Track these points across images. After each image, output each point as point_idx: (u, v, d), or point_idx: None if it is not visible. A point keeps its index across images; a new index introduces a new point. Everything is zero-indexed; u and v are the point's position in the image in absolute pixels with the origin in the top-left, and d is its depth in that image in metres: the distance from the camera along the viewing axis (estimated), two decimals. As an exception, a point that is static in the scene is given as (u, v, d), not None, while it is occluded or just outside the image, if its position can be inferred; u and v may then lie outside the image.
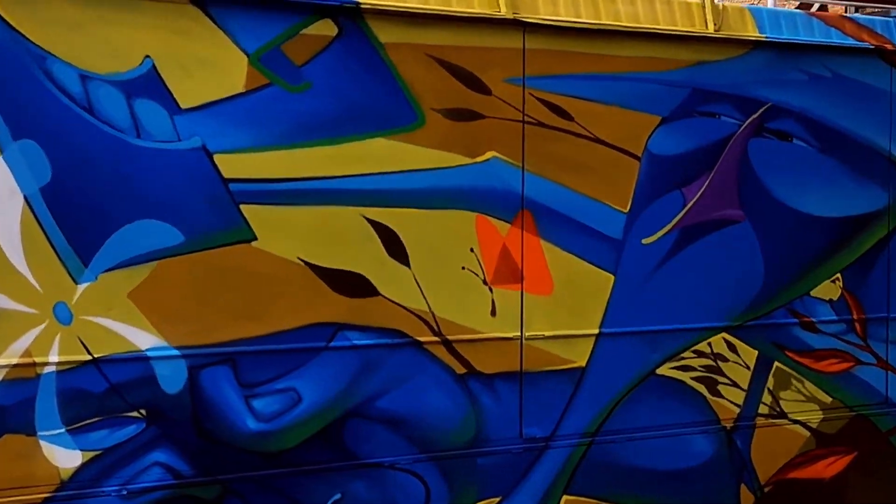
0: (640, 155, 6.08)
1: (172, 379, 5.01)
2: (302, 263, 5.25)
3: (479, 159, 5.66)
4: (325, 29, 5.29)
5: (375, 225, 5.42)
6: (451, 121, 5.58)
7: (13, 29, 4.67)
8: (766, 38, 6.45)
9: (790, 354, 6.64)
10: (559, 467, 5.94)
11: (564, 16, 5.84)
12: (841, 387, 6.83)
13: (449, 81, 5.57)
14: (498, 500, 5.80)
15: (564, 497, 5.96)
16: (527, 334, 5.82)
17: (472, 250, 5.66)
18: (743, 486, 6.53)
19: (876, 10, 7.76)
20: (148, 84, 4.92)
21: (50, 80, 4.74)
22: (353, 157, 5.35)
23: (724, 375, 6.43)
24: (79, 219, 4.79)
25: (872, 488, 6.94)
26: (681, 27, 6.17)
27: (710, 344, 6.38)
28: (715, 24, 6.25)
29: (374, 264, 5.42)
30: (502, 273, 5.75)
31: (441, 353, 5.61)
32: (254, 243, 5.14)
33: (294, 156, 5.22)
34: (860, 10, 7.70)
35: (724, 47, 6.33)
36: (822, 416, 6.77)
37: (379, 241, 5.44)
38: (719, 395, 6.42)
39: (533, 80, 5.79)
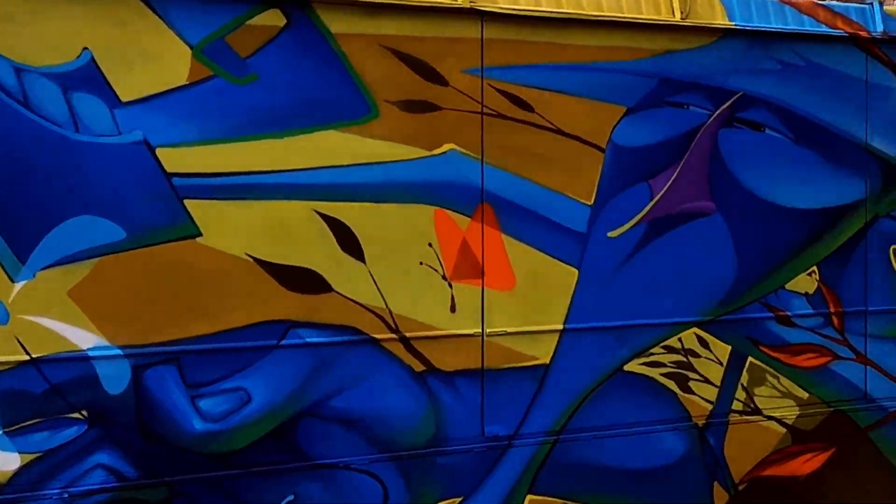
0: (604, 146, 5.93)
1: (115, 379, 4.89)
2: (250, 259, 5.13)
3: (436, 152, 5.52)
4: (272, 19, 5.16)
5: (328, 220, 5.30)
6: (407, 112, 5.45)
7: (-57, 21, 4.56)
8: (736, 25, 6.29)
9: (765, 349, 6.49)
10: (523, 466, 5.80)
11: (524, 4, 5.71)
12: (818, 382, 6.67)
13: (404, 72, 5.45)
14: (459, 500, 5.67)
15: (529, 497, 5.83)
16: (488, 331, 5.68)
17: (430, 245, 5.53)
18: (716, 484, 6.38)
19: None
20: (86, 77, 4.80)
21: (-17, 74, 4.63)
22: (303, 151, 5.22)
23: (695, 371, 6.28)
24: (15, 215, 4.68)
25: (851, 485, 6.78)
26: (646, 15, 6.03)
27: (680, 339, 6.23)
28: (682, 12, 6.11)
29: (327, 260, 5.30)
30: (462, 268, 5.62)
31: (398, 350, 5.48)
32: (199, 239, 5.02)
33: (241, 149, 5.09)
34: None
35: (692, 36, 6.18)
36: (798, 413, 6.61)
37: (332, 236, 5.31)
38: (690, 391, 6.28)
39: (492, 70, 5.65)
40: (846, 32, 6.63)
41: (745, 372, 6.44)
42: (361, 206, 5.36)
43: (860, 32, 6.67)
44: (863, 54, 6.71)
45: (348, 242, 5.34)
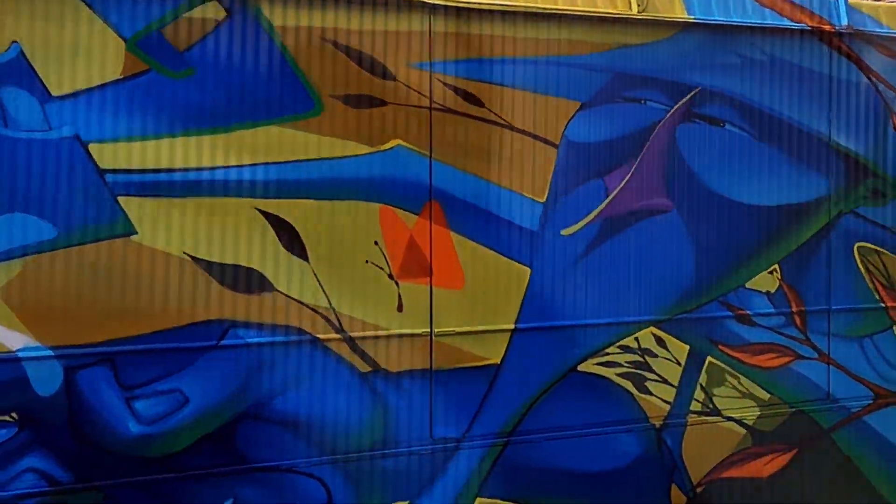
0: (557, 142, 5.81)
1: (46, 381, 4.77)
2: (188, 258, 5.00)
3: (382, 148, 5.41)
4: (211, 12, 5.04)
5: (270, 217, 5.17)
6: (352, 108, 5.33)
7: None
8: (695, 19, 6.17)
9: (724, 349, 6.37)
10: (472, 469, 5.69)
11: (474, -3, 5.59)
12: (779, 382, 6.56)
13: (348, 67, 5.33)
14: (406, 503, 5.54)
15: (478, 500, 5.71)
16: (436, 331, 5.56)
17: (376, 243, 5.41)
18: (674, 487, 6.27)
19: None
20: (15, 71, 4.68)
21: None
22: (243, 147, 5.11)
23: (652, 371, 6.17)
24: (-60, 213, 4.56)
25: (813, 487, 6.67)
26: (601, 8, 5.90)
27: (637, 339, 6.12)
28: (639, 6, 5.99)
29: (268, 259, 5.18)
30: (409, 267, 5.50)
31: (343, 350, 5.37)
32: (133, 237, 4.90)
33: (178, 145, 4.98)
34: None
35: (650, 29, 6.06)
36: (759, 413, 6.50)
37: (274, 234, 5.19)
38: (647, 391, 6.16)
39: (440, 64, 5.53)
40: (809, 26, 6.51)
41: (703, 372, 6.33)
42: (305, 204, 5.25)
43: (824, 26, 6.56)
44: (827, 48, 6.59)
45: (291, 240, 5.23)
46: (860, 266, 6.78)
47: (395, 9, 5.41)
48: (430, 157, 5.51)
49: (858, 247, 6.76)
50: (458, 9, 5.54)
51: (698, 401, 6.32)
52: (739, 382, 6.44)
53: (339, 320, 5.33)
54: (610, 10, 5.92)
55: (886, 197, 6.82)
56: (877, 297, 6.85)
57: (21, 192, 4.69)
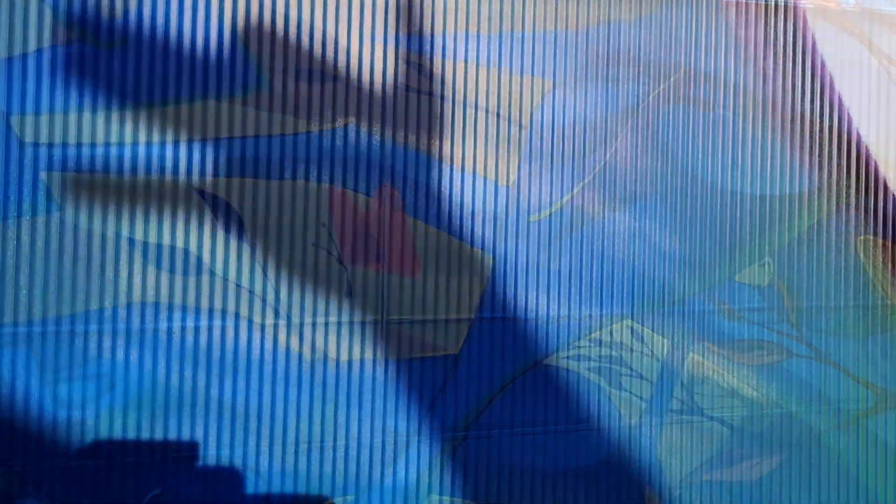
0: (527, 124, 5.49)
1: (-38, 362, 4.60)
2: (117, 237, 4.78)
3: (332, 126, 5.13)
4: (146, -21, 4.80)
5: (207, 196, 4.94)
6: (300, 83, 5.06)
7: None
8: (684, -6, 5.82)
9: (709, 345, 6.02)
10: (426, 465, 5.42)
11: (437, -33, 5.28)
12: (769, 381, 6.19)
13: (297, 40, 5.04)
14: (351, 498, 5.30)
15: (432, 497, 5.44)
16: (389, 318, 5.29)
17: (324, 226, 5.14)
18: (648, 489, 5.95)
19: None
20: (-68, 38, 4.49)
21: None
22: (180, 123, 4.86)
23: (627, 367, 5.84)
24: None
25: (803, 492, 6.30)
26: (577, -19, 5.57)
27: (611, 332, 5.79)
28: (620, -21, 5.64)
29: (204, 240, 4.94)
30: (360, 251, 5.23)
31: (286, 337, 5.12)
32: (58, 215, 4.68)
33: (107, 119, 4.75)
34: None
35: (633, 4, 5.70)
36: (745, 413, 6.14)
37: (211, 214, 4.95)
38: (622, 387, 5.84)
39: (399, 39, 5.23)
40: (813, 4, 6.10)
41: (685, 368, 5.99)
42: (244, 183, 5.00)
43: (828, 4, 6.14)
44: (831, 27, 6.17)
45: (230, 221, 4.98)
46: (863, 260, 6.37)
47: (349, -21, 5.13)
48: (385, 137, 5.23)
49: (862, 240, 6.36)
50: (418, -20, 5.25)
51: (678, 398, 5.99)
52: (724, 380, 6.09)
53: (282, 306, 5.09)
54: (587, -16, 5.58)
55: (892, 187, 6.40)
56: (881, 292, 6.44)
57: (-63, 165, 4.51)
